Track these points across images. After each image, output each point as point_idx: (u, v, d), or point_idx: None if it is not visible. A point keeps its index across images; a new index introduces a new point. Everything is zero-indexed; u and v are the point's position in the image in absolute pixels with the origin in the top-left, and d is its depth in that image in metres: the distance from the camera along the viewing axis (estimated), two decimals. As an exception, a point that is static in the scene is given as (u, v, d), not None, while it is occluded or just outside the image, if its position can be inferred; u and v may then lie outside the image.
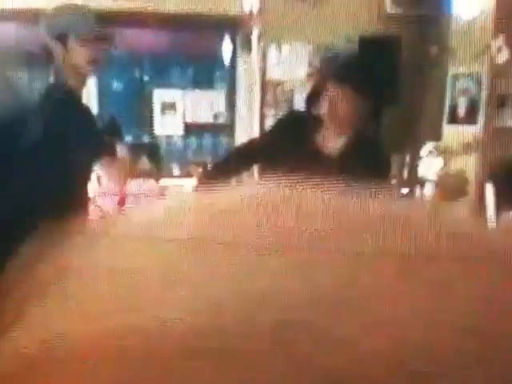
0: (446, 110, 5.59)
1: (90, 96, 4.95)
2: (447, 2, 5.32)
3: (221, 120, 5.90)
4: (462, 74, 5.52)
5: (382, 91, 4.35)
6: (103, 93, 5.55)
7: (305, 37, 5.46)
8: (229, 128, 5.93)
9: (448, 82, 5.65)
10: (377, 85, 3.48)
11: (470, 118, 5.34)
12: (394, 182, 5.11)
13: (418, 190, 5.35)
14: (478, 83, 5.34)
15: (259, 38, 5.34)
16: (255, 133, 5.34)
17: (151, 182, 4.76)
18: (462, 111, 5.46)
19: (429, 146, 5.30)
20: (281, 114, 4.62)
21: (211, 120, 5.87)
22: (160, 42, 5.65)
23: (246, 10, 5.21)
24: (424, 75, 5.91)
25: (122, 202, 4.41)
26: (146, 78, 5.85)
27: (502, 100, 5.10)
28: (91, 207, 3.73)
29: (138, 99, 5.79)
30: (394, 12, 5.75)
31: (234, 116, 5.88)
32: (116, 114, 5.24)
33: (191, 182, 4.73)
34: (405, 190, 5.26)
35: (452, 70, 5.60)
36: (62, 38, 2.93)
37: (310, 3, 5.46)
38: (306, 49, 5.56)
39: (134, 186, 4.39)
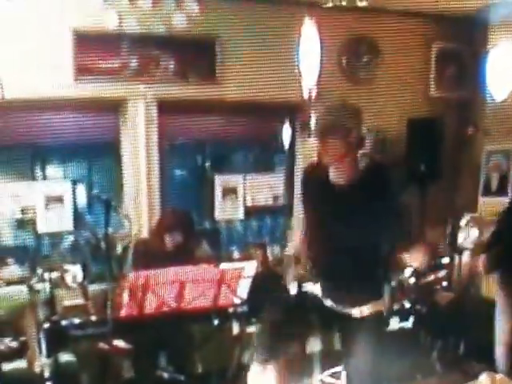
0: (481, 183, 5.94)
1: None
2: (483, 86, 5.62)
3: (280, 201, 5.72)
4: (495, 151, 5.92)
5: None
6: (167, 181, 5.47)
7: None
8: (287, 208, 5.74)
9: (483, 158, 6.02)
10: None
11: (502, 190, 5.75)
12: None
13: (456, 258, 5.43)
14: (509, 158, 5.81)
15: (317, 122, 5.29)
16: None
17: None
18: (494, 184, 5.84)
19: (466, 217, 5.35)
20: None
21: (271, 202, 5.71)
22: (222, 128, 5.58)
23: (305, 97, 5.15)
24: (462, 152, 6.18)
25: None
26: (207, 164, 5.73)
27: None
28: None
29: (200, 185, 5.66)
30: (436, 95, 6.21)
31: (293, 197, 5.66)
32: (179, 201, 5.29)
33: (251, 265, 4.51)
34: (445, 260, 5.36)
35: (486, 147, 6.00)
36: None
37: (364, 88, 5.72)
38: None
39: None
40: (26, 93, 4.54)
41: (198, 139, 5.49)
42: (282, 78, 5.13)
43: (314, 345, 4.52)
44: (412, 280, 4.90)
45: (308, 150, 5.40)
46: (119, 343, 4.39)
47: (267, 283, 4.65)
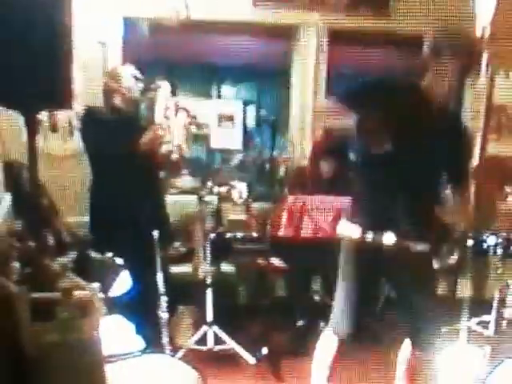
0: None
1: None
2: None
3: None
4: None
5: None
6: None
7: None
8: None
9: None
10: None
11: None
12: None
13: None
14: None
15: (488, 62, 5.00)
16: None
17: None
18: None
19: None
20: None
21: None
22: (386, 60, 5.43)
23: (478, 34, 4.88)
24: None
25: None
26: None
27: None
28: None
29: None
30: None
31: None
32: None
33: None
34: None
35: None
36: None
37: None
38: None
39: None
40: (209, 15, 4.59)
41: (363, 70, 5.37)
42: (454, 15, 4.90)
43: (465, 289, 4.43)
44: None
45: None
46: (276, 261, 4.52)
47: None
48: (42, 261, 2.36)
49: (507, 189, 4.26)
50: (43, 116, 4.15)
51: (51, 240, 2.67)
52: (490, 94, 4.96)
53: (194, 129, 4.04)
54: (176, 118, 3.87)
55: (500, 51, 4.89)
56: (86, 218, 3.89)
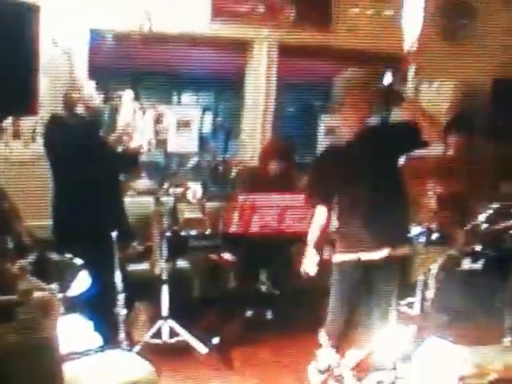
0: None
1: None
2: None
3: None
4: None
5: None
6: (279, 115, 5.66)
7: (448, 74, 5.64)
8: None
9: None
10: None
11: None
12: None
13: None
14: None
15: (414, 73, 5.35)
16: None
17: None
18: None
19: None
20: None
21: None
22: (331, 72, 5.66)
23: (405, 49, 5.19)
24: None
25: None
26: (315, 104, 5.86)
27: None
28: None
29: (307, 122, 5.78)
30: None
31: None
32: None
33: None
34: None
35: None
36: None
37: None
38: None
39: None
40: (170, 28, 4.83)
41: (309, 81, 5.62)
42: (388, 31, 5.19)
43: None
44: (485, 225, 4.79)
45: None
46: (227, 256, 4.76)
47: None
48: (1, 264, 2.50)
49: (428, 184, 4.64)
50: (6, 123, 4.27)
51: (10, 243, 2.74)
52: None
53: (161, 128, 4.24)
54: (144, 116, 4.11)
55: (424, 64, 5.26)
56: (48, 221, 4.07)
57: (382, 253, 3.47)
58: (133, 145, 4.06)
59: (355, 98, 3.44)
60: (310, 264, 3.64)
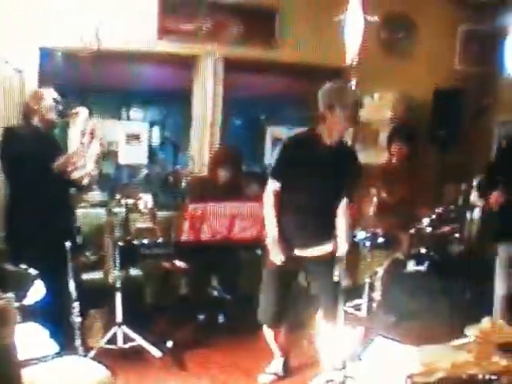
0: (493, 148, 6.16)
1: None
2: (502, 62, 5.60)
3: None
4: (508, 121, 6.16)
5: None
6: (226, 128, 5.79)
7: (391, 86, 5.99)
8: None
9: (497, 127, 6.40)
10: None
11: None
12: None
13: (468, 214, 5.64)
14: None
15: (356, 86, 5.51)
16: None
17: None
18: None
19: (478, 178, 5.41)
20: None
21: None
22: (276, 86, 5.80)
23: (348, 62, 5.37)
24: (478, 120, 6.43)
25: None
26: (262, 117, 6.02)
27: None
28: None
29: (254, 134, 5.95)
30: (460, 68, 6.52)
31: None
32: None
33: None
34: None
35: (499, 118, 6.36)
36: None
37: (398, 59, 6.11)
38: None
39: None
40: (118, 45, 4.96)
41: (255, 94, 5.76)
42: (329, 46, 5.37)
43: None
44: (429, 229, 5.02)
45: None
46: (179, 263, 4.83)
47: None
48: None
49: (372, 191, 4.85)
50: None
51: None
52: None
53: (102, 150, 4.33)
54: (90, 146, 4.17)
55: (366, 77, 5.48)
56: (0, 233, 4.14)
57: (314, 250, 3.72)
58: (75, 176, 4.16)
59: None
60: (274, 253, 3.75)
